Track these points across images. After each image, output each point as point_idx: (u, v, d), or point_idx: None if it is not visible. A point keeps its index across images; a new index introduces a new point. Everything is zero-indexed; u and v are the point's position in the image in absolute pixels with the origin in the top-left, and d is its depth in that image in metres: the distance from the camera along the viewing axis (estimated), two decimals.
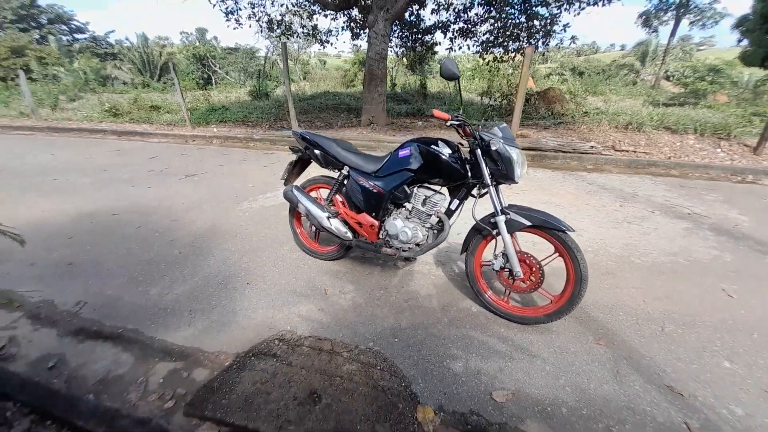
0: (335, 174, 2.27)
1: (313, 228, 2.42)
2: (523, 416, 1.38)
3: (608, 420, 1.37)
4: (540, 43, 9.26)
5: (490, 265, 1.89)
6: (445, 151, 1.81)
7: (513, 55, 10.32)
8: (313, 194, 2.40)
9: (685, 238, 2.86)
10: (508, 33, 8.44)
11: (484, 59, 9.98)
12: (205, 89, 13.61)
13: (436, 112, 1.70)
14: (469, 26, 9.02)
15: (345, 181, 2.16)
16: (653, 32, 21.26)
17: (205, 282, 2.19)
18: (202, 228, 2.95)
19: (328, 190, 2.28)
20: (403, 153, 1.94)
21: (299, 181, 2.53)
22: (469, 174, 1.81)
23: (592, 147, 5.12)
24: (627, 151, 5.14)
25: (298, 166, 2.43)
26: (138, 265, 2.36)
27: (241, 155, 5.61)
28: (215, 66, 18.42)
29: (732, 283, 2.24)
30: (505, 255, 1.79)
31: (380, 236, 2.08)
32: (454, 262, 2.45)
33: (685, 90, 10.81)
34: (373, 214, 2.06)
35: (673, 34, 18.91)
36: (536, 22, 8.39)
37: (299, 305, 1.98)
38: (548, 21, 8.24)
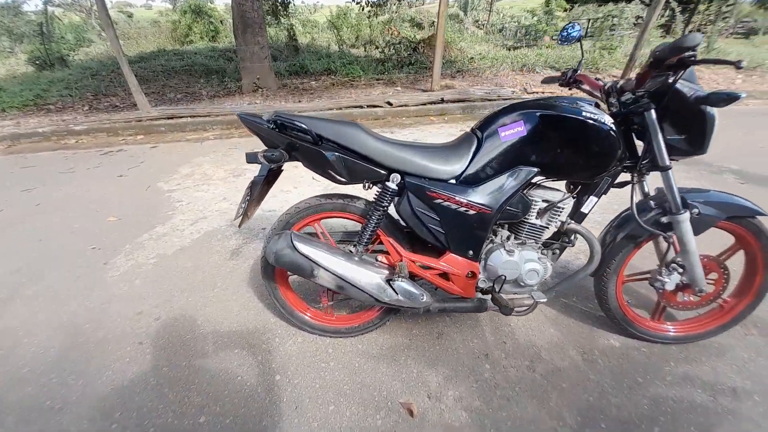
0: (356, 190, 1.19)
1: (331, 295, 1.33)
2: None
3: None
4: None
5: (648, 281, 1.29)
6: (607, 120, 1.01)
7: (384, 1, 9.55)
8: (305, 230, 1.26)
9: None
10: None
11: (358, 3, 8.92)
12: None
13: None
14: None
15: (393, 201, 1.13)
16: None
17: None
18: (46, 347, 1.40)
19: (355, 223, 1.20)
20: (510, 132, 1.05)
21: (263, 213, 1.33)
22: (626, 153, 1.08)
23: (513, 92, 5.03)
24: (541, 92, 5.27)
25: (262, 186, 1.20)
26: None
27: (60, 164, 3.34)
28: None
29: None
30: (681, 266, 1.19)
31: (479, 285, 1.20)
32: None
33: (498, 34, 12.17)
34: (470, 252, 1.14)
35: None
36: None
37: None
38: None
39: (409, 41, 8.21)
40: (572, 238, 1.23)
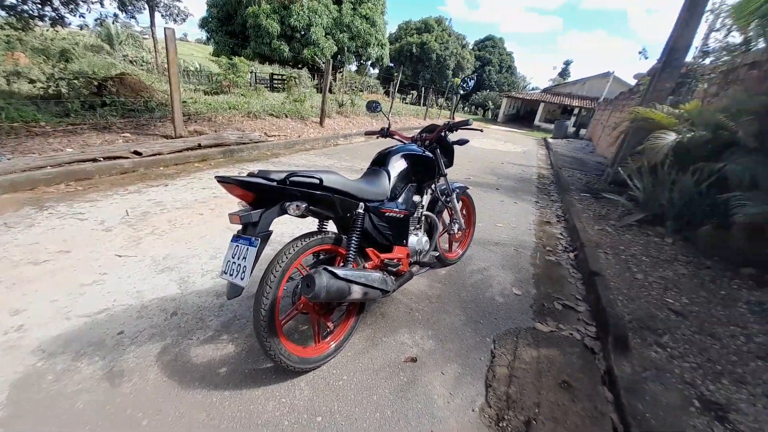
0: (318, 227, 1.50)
1: (316, 322, 1.49)
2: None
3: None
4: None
5: (447, 232, 2.46)
6: (429, 153, 1.99)
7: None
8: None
9: None
10: None
11: None
12: None
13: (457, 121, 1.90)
14: None
15: (359, 222, 1.55)
16: (131, 17, 21.35)
17: None
18: None
19: (333, 251, 1.50)
20: (400, 165, 1.83)
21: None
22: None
23: (260, 136, 5.62)
24: (277, 136, 6.18)
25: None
26: None
27: None
28: None
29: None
30: (456, 220, 2.44)
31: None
32: None
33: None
34: (404, 241, 1.78)
35: (152, 23, 20.30)
36: None
37: None
38: None
39: (89, 77, 6.57)
40: (423, 220, 2.16)
